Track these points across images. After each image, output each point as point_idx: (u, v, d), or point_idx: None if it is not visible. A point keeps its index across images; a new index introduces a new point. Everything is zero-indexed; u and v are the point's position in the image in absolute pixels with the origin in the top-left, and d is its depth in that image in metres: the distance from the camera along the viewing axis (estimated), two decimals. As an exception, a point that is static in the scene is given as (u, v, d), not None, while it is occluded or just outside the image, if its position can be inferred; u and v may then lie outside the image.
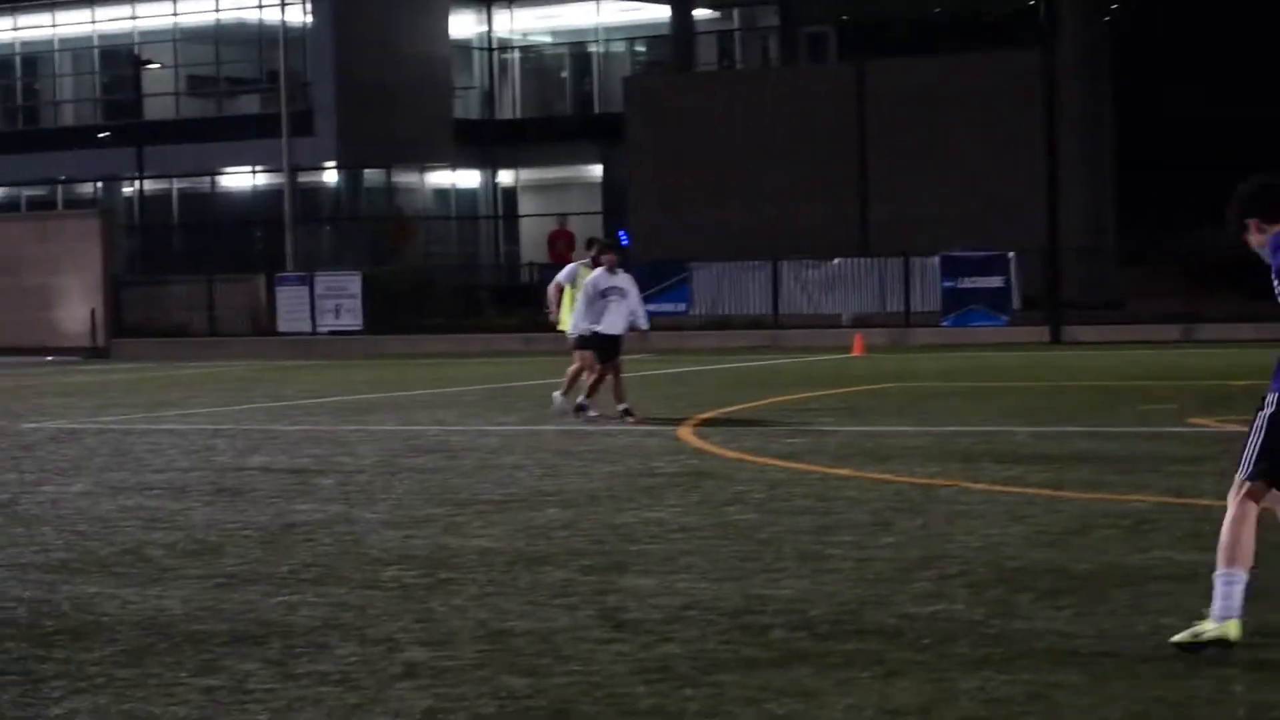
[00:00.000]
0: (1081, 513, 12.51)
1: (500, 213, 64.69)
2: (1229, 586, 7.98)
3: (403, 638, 8.82)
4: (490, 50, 64.68)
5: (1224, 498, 12.77)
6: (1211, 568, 8.14)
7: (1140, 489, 13.63)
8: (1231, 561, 8.01)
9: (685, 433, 19.74)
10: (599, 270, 22.42)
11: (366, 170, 60.74)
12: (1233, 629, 7.91)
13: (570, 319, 22.81)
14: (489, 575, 10.57)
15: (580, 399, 22.20)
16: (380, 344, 47.09)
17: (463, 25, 63.11)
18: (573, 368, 22.75)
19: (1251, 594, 8.15)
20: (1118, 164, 57.49)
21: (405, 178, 61.90)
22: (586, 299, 22.26)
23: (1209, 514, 12.24)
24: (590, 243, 24.04)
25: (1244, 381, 27.15)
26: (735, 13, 62.66)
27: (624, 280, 22.55)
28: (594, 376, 22.27)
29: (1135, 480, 14.24)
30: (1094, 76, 55.73)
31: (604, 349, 22.21)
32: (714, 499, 13.87)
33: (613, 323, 22.26)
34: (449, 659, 8.34)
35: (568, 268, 23.93)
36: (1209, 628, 7.93)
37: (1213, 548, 10.58)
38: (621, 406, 21.80)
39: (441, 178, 63.04)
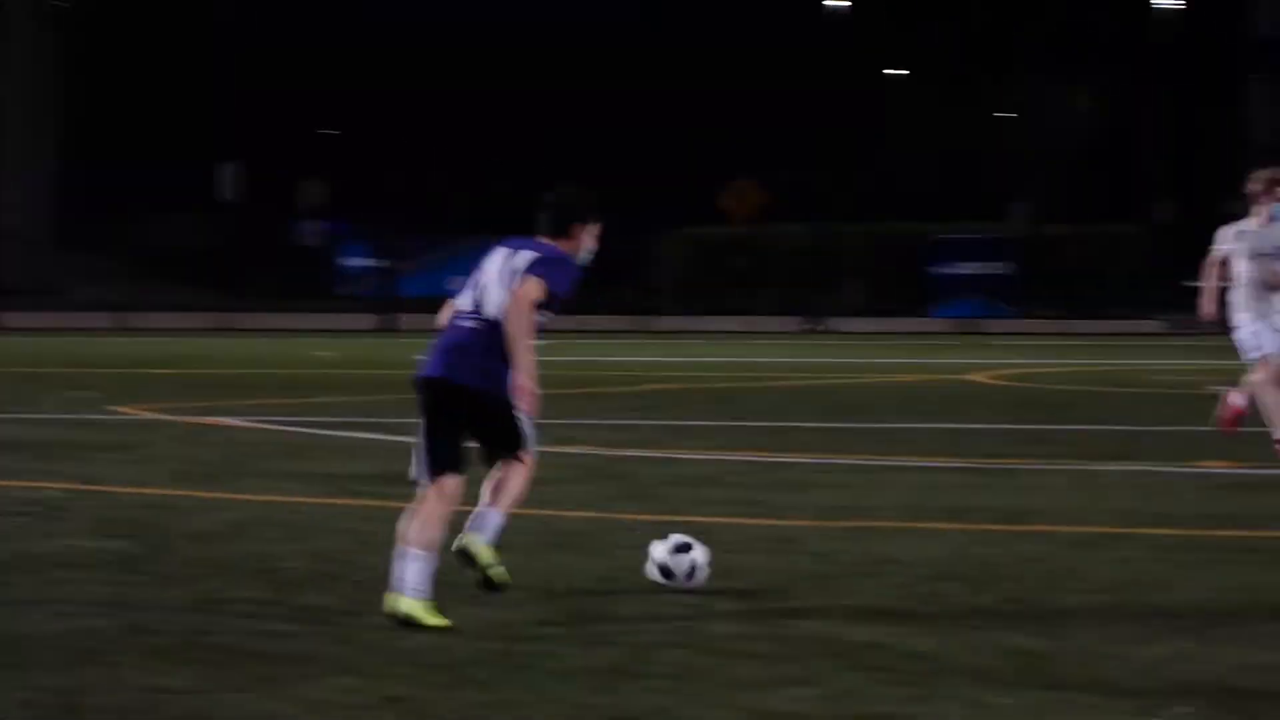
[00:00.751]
0: (-9, 500, 12.21)
1: None
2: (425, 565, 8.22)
3: None
4: None
5: (136, 484, 12.89)
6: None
7: (54, 476, 13.45)
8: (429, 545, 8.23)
9: None
10: None
11: None
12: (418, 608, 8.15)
13: None
14: None
15: None
16: None
17: None
18: None
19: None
20: (61, 151, 56.92)
21: None
22: None
23: (119, 500, 12.26)
24: None
25: (172, 370, 27.40)
26: None
27: None
28: None
29: (51, 467, 14.04)
30: (38, 62, 55.04)
31: None
32: None
33: None
34: None
35: None
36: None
37: (119, 534, 10.63)
38: None
39: None
